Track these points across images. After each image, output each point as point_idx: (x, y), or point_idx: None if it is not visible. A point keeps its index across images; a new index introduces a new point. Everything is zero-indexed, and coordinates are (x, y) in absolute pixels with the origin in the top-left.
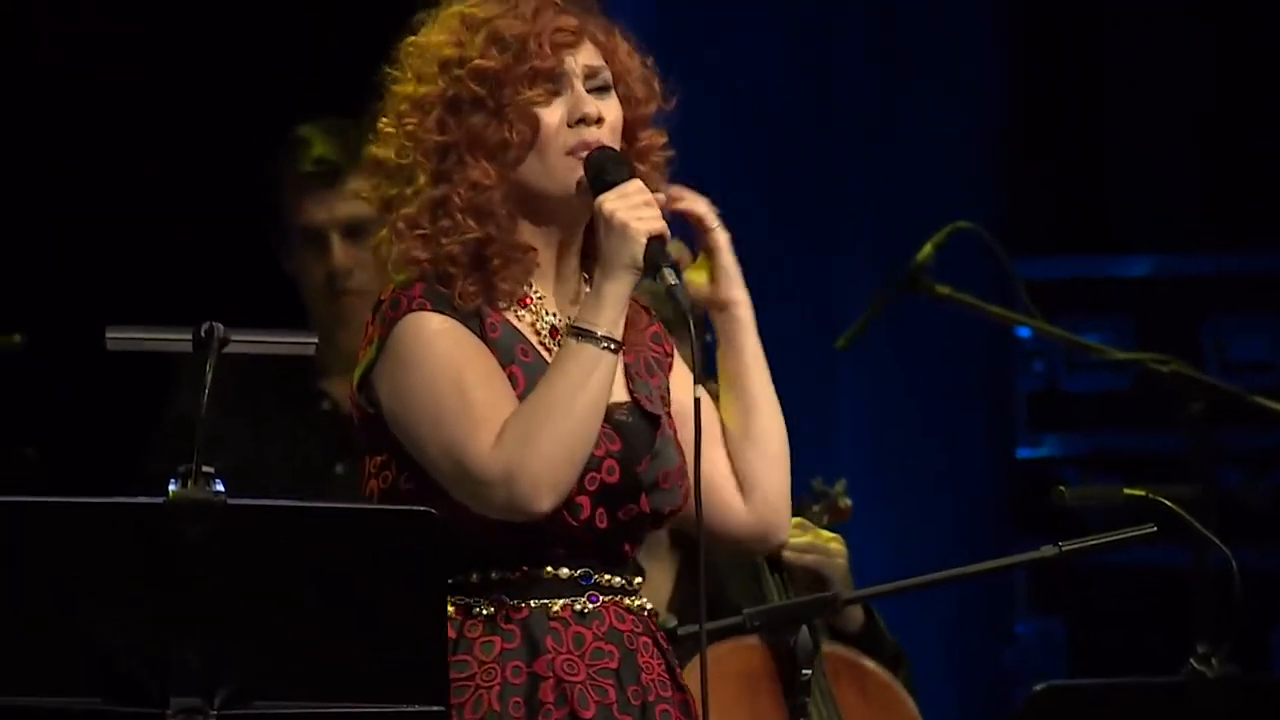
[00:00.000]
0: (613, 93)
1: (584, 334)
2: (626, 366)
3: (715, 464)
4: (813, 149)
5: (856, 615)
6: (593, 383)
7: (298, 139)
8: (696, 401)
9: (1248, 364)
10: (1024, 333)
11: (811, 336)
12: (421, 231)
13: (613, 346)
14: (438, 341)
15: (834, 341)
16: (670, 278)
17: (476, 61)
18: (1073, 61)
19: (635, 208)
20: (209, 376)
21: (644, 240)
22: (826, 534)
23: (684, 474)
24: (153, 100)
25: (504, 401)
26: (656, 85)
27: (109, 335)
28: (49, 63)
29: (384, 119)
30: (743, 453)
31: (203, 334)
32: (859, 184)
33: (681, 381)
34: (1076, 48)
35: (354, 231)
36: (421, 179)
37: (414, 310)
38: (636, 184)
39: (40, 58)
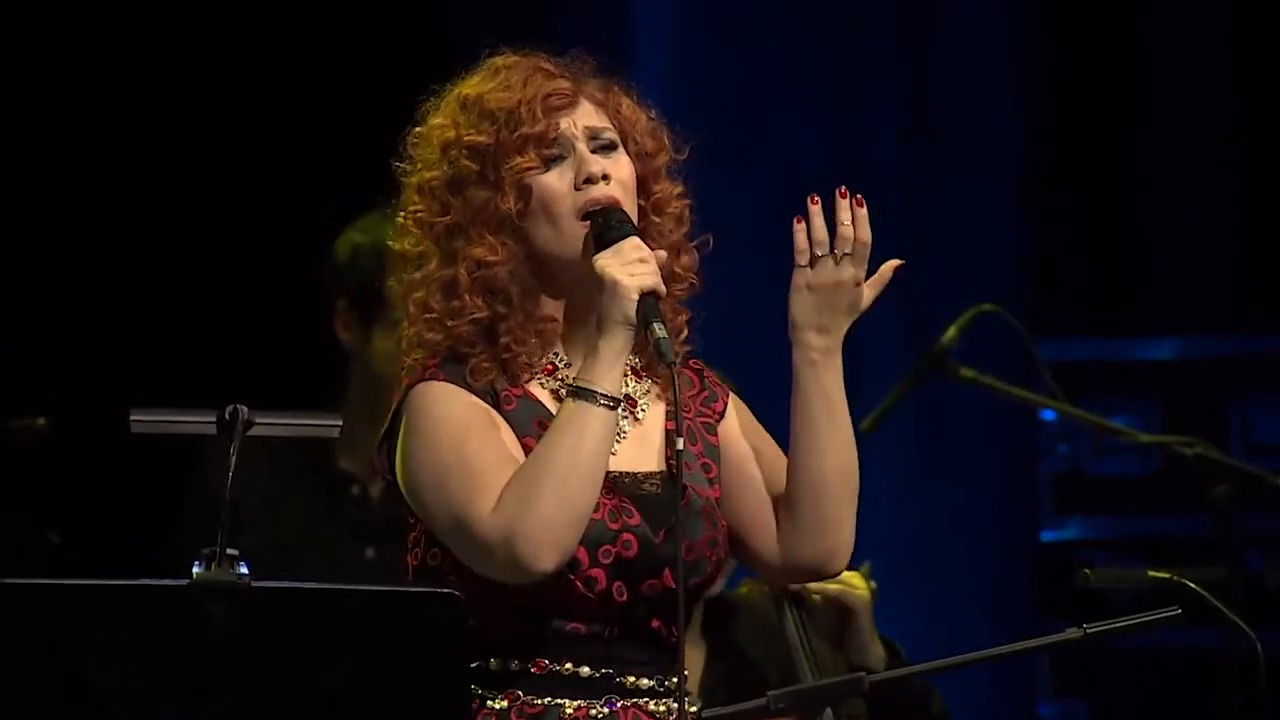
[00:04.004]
0: (621, 150)
1: (582, 393)
2: (667, 433)
3: (740, 509)
4: None
5: (879, 656)
6: (590, 440)
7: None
8: (678, 454)
9: (1275, 446)
10: (1049, 415)
11: None
12: (431, 314)
13: (611, 404)
14: (442, 408)
15: (859, 424)
16: (659, 331)
17: (468, 138)
18: (1099, 143)
19: (628, 264)
20: (233, 458)
21: (635, 296)
22: (849, 572)
23: (712, 545)
24: (181, 185)
25: (506, 466)
26: (666, 136)
27: (134, 418)
28: (78, 146)
29: (401, 212)
30: (791, 504)
31: (227, 416)
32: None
33: (733, 427)
34: (1104, 130)
35: None
36: (432, 263)
37: (426, 379)
38: (633, 241)
39: (69, 145)
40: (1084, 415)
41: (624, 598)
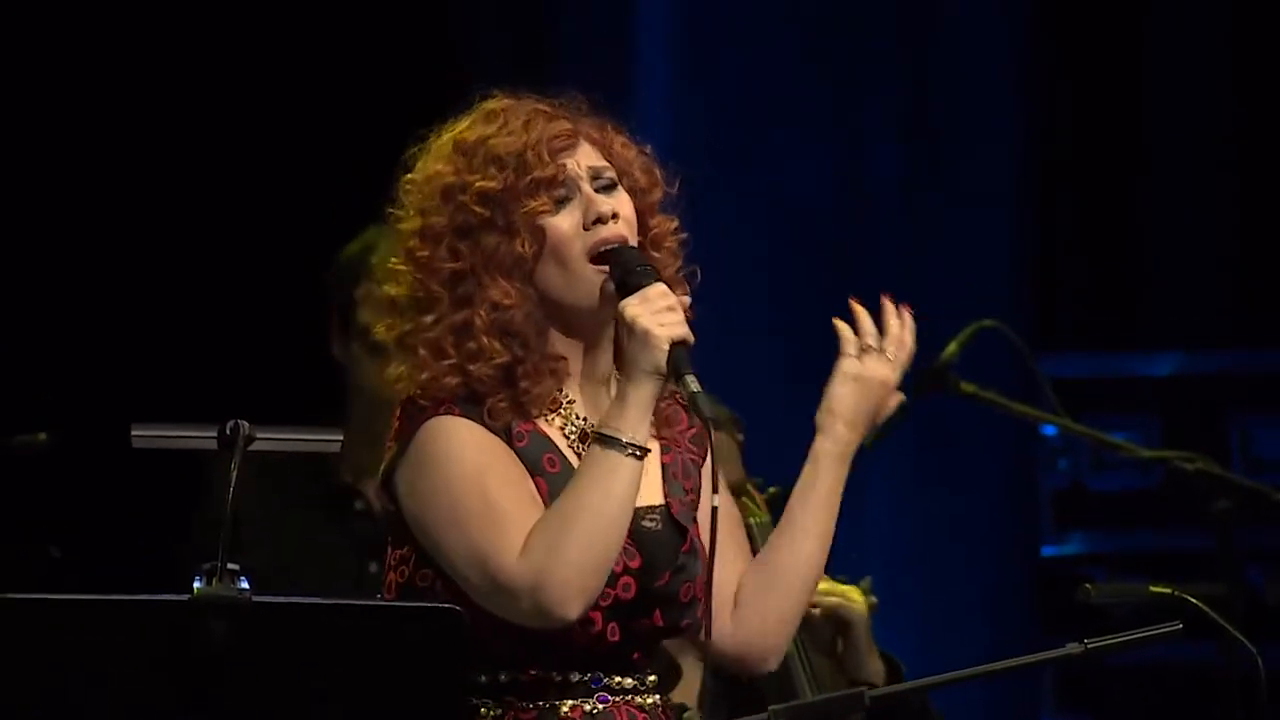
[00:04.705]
0: (620, 187)
1: (609, 440)
2: (664, 467)
3: (719, 578)
4: (841, 246)
5: (877, 670)
6: (618, 490)
7: (385, 234)
8: (714, 510)
9: (1275, 462)
10: (1049, 431)
11: None
12: (450, 360)
13: (638, 453)
14: (461, 446)
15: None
16: (692, 384)
17: (479, 184)
18: (1099, 160)
19: (658, 313)
20: (234, 473)
21: (666, 347)
22: (846, 586)
23: (703, 586)
24: (183, 199)
25: (529, 508)
26: (659, 171)
27: (135, 433)
28: (80, 162)
29: (392, 258)
30: (761, 573)
31: (228, 432)
32: (889, 279)
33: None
34: (1103, 147)
35: None
36: (442, 307)
37: (441, 414)
38: (660, 288)
39: (71, 161)
40: (1085, 430)
41: (616, 638)
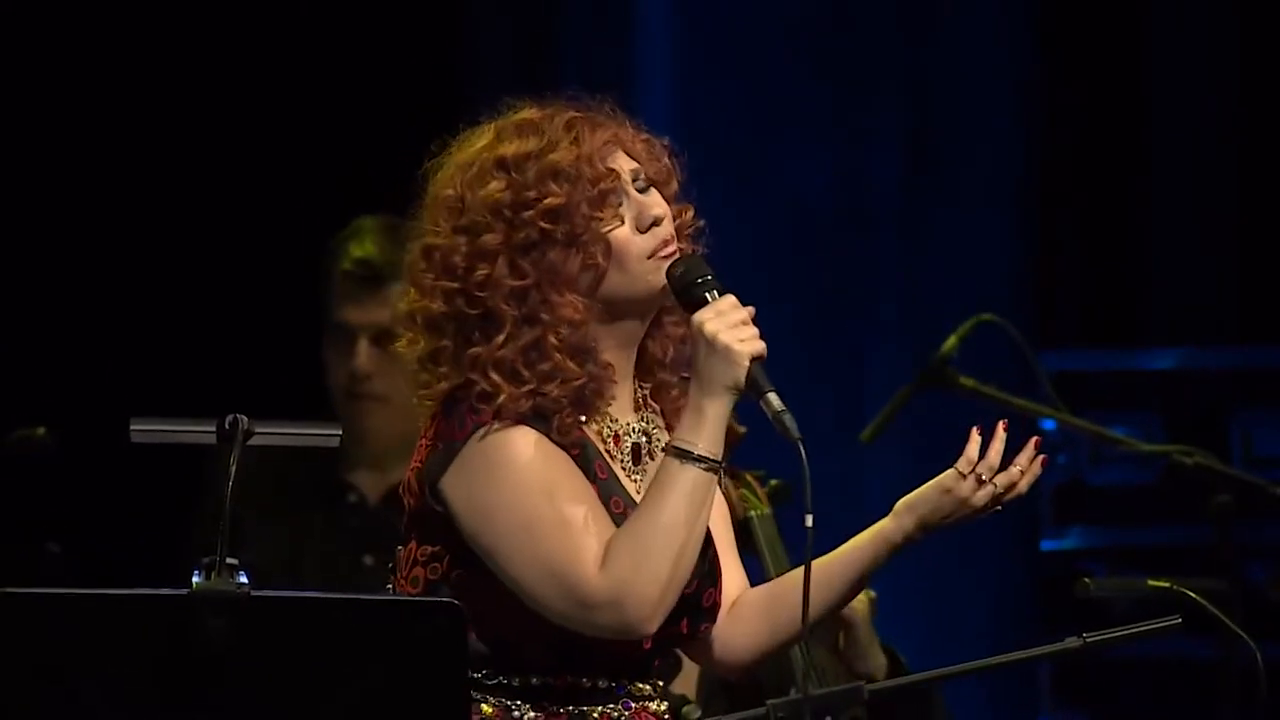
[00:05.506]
0: (653, 187)
1: (686, 455)
2: None
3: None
4: (841, 246)
5: (880, 664)
6: (698, 504)
7: (352, 231)
8: (808, 530)
9: (1275, 458)
10: (1049, 425)
11: (841, 427)
12: (528, 385)
13: (714, 467)
14: (530, 457)
15: (860, 433)
16: (775, 403)
17: (547, 201)
18: (1099, 156)
19: (734, 327)
20: (233, 468)
21: (747, 363)
22: None
23: (721, 593)
24: (182, 192)
25: (601, 520)
26: (670, 162)
27: (133, 428)
28: (79, 157)
29: (422, 272)
30: (772, 605)
31: (227, 426)
32: (890, 276)
33: None
34: (1103, 143)
35: (384, 338)
36: (509, 326)
37: (504, 421)
38: (730, 299)
39: (71, 156)
40: (1084, 425)
41: (648, 646)
